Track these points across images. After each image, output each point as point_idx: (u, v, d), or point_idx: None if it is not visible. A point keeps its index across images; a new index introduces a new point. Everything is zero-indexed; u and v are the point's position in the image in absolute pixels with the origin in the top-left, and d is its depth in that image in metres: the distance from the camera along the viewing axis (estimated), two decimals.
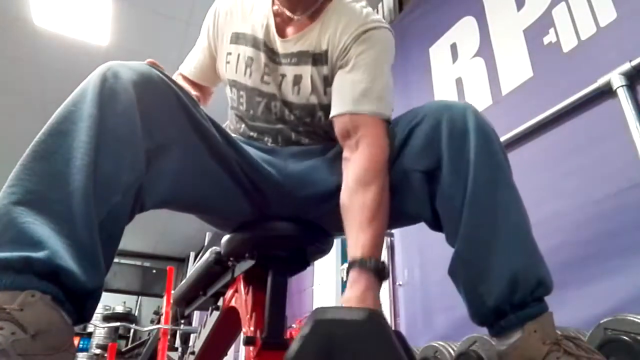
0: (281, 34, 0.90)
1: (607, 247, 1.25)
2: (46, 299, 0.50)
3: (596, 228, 1.29)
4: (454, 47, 2.17)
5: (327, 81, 0.87)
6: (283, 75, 0.90)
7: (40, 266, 0.50)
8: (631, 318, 0.92)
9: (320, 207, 0.87)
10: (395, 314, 2.19)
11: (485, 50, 1.95)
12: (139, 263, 7.67)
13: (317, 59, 0.87)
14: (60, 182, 0.56)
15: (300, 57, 0.88)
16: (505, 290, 0.62)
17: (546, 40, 1.64)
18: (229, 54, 0.94)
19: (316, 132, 0.93)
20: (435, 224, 0.76)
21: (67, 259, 0.52)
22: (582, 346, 0.59)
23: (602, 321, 0.97)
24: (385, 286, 2.29)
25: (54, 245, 0.51)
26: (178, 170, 0.72)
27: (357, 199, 0.72)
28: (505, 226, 0.66)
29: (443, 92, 2.16)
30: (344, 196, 0.75)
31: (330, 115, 0.83)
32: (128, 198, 0.62)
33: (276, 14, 0.90)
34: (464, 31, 2.12)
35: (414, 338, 1.94)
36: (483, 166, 0.67)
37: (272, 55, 0.90)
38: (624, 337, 0.91)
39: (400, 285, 2.17)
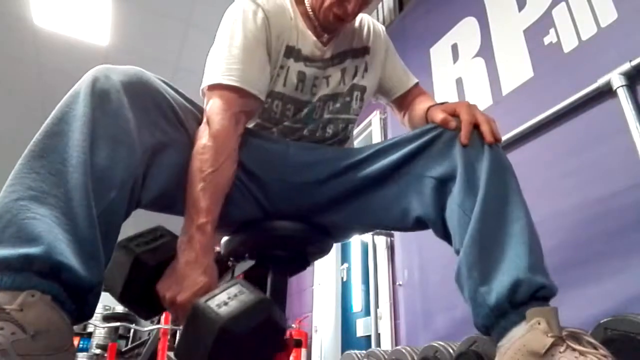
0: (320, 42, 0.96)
1: (607, 247, 1.25)
2: (46, 299, 0.50)
3: (596, 228, 1.29)
4: (454, 47, 2.17)
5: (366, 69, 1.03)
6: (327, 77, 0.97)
7: (40, 264, 0.50)
8: (631, 318, 0.92)
9: (319, 195, 0.87)
10: (395, 314, 2.19)
11: (486, 50, 1.95)
12: None
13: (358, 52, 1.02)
14: (59, 179, 0.57)
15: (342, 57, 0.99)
16: (506, 290, 0.62)
17: (547, 40, 1.64)
18: (282, 67, 0.91)
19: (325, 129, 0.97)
20: (442, 231, 0.77)
21: (66, 254, 0.52)
22: (588, 342, 0.57)
23: (602, 321, 0.97)
24: (386, 286, 2.30)
25: (54, 240, 0.52)
26: (175, 168, 0.74)
27: None
28: (513, 234, 0.66)
29: (443, 92, 2.16)
30: None
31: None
32: (124, 193, 0.64)
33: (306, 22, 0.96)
34: (465, 31, 2.12)
35: (414, 338, 1.94)
36: (495, 181, 0.71)
37: (320, 65, 0.96)
38: (624, 337, 0.91)
39: (400, 285, 2.16)
